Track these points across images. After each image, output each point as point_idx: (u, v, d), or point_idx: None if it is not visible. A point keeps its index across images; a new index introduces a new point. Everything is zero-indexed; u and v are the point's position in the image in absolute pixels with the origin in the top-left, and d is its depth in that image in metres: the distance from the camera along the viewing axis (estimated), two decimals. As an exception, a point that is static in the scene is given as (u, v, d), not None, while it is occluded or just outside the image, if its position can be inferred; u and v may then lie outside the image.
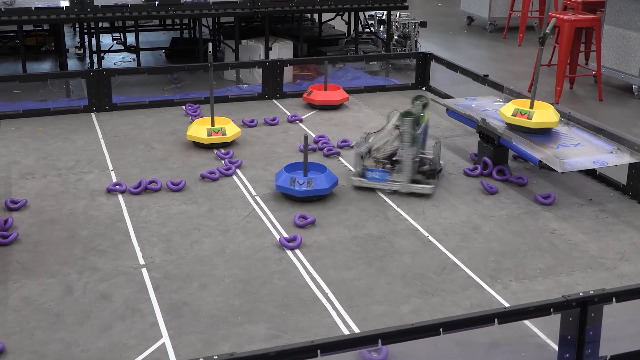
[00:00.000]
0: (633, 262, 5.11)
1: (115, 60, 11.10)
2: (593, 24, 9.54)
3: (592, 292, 3.78)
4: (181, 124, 7.69)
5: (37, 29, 11.01)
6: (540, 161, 5.96)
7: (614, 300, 3.82)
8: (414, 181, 6.06)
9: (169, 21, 12.09)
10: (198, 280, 4.78)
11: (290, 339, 4.17)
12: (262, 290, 4.68)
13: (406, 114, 6.04)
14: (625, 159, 6.06)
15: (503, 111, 6.57)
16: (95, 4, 8.88)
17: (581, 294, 3.75)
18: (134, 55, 10.58)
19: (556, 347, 3.90)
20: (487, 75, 8.26)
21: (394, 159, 6.13)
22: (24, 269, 4.86)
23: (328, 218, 5.66)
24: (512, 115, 6.45)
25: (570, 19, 9.38)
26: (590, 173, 6.51)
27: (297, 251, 5.15)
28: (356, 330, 4.26)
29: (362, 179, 6.13)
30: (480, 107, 7.25)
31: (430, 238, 5.39)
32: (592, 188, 6.35)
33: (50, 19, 8.94)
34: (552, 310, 3.74)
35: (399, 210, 5.82)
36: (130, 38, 10.80)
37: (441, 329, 3.53)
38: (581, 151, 6.17)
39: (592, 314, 3.76)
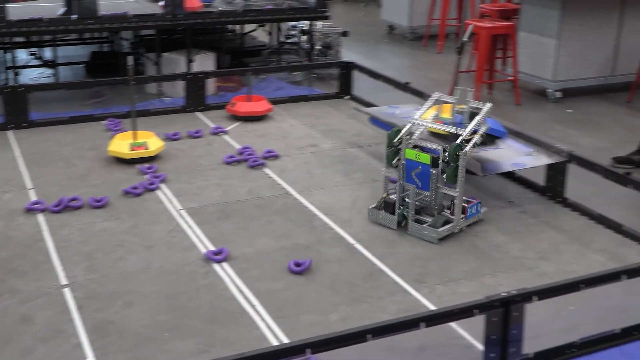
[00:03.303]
0: (553, 261, 5.26)
1: (32, 75, 10.81)
2: (509, 30, 9.80)
3: (514, 291, 3.87)
4: (102, 139, 7.54)
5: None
6: (461, 165, 6.07)
7: (535, 298, 3.93)
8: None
9: (90, 35, 11.84)
10: (123, 298, 4.68)
11: (219, 353, 4.13)
12: (189, 305, 4.62)
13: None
14: (542, 160, 6.25)
15: None
16: (9, 18, 8.63)
17: (503, 294, 3.84)
18: (52, 71, 10.32)
19: (482, 348, 3.98)
20: (409, 83, 8.39)
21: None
22: (-61, 295, 4.67)
23: (254, 229, 5.63)
24: None
25: (487, 26, 9.61)
26: (510, 175, 6.67)
27: (224, 264, 5.11)
28: (285, 340, 4.25)
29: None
30: (403, 114, 7.35)
31: (357, 246, 5.42)
32: (512, 190, 6.51)
33: (-38, 35, 8.65)
34: (476, 311, 3.82)
35: (325, 219, 5.84)
36: (48, 53, 10.55)
37: (368, 335, 3.56)
38: (501, 154, 6.31)
39: (515, 313, 3.85)
